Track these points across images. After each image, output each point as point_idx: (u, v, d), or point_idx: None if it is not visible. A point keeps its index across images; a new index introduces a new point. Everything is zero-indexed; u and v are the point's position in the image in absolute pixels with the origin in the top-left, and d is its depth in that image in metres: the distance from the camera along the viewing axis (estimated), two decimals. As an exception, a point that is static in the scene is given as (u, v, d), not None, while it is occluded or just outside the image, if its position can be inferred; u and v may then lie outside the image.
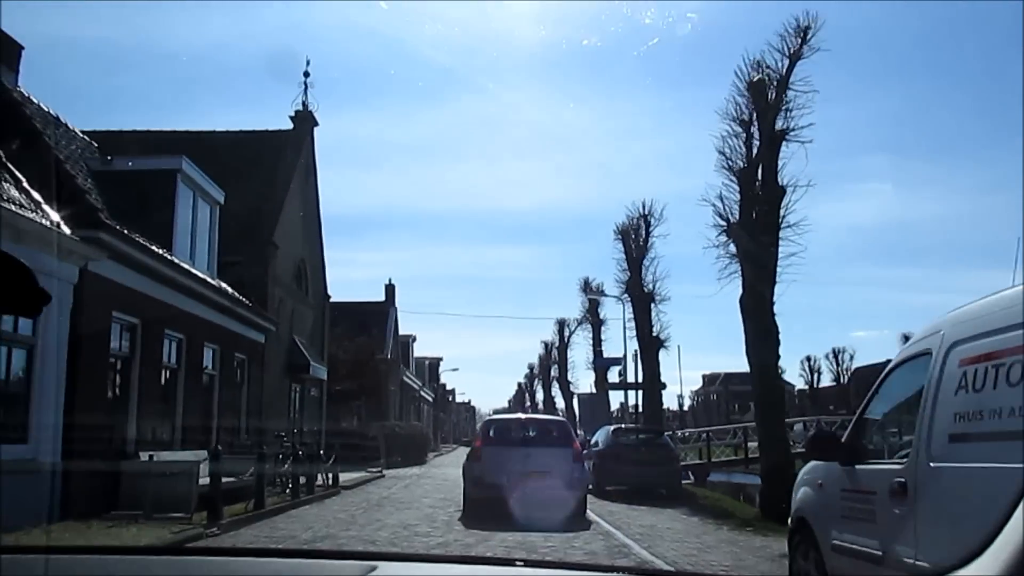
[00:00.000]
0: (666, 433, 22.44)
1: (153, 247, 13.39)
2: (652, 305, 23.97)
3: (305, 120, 23.92)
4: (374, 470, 26.14)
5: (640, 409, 26.33)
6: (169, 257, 14.18)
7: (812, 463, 5.80)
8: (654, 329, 23.96)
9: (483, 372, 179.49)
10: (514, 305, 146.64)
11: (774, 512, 12.12)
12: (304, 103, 23.87)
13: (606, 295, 28.84)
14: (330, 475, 18.69)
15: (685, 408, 64.66)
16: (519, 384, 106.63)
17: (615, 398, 33.51)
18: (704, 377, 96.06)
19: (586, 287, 33.80)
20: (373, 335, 37.50)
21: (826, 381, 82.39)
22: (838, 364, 70.45)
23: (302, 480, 16.25)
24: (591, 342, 34.19)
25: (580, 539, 10.50)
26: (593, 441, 20.52)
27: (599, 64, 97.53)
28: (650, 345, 23.86)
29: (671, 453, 19.01)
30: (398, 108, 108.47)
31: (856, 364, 76.16)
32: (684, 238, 78.34)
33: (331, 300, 27.94)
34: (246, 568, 1.63)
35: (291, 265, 23.02)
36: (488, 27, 71.00)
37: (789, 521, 6.08)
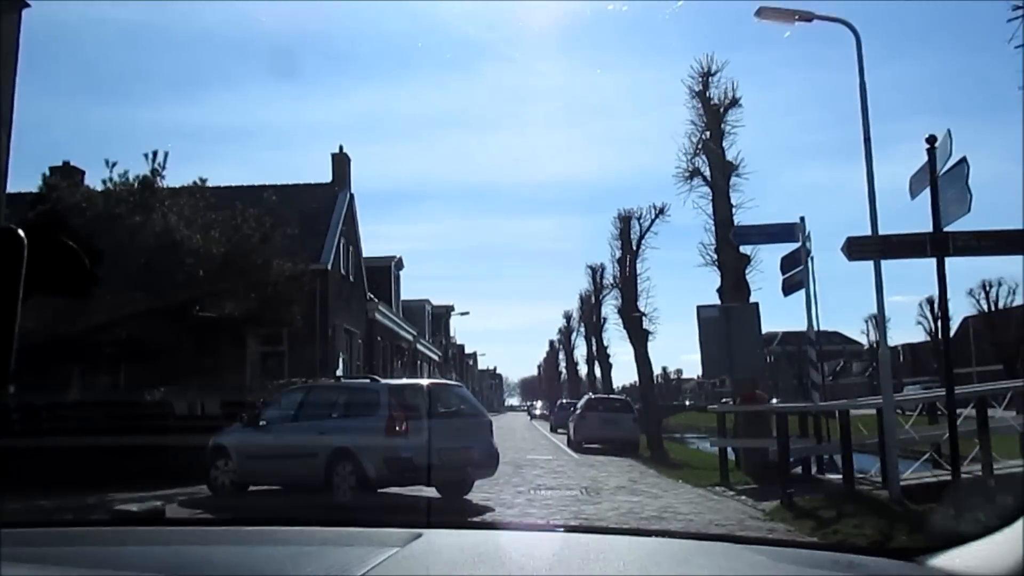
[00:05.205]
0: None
1: None
2: None
3: None
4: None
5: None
6: None
7: None
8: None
9: (509, 343, 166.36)
10: (538, 277, 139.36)
11: None
12: None
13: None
14: None
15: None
16: (551, 343, 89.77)
17: (774, 312, 15.86)
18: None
19: (706, 82, 15.81)
20: (293, 229, 19.36)
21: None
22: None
23: None
24: (709, 205, 16.33)
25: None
26: None
27: (628, 30, 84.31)
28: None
29: None
30: (424, 82, 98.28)
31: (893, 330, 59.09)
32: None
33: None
34: (291, 537, 1.66)
35: None
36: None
37: None
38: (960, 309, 59.71)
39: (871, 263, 9.29)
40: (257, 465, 11.12)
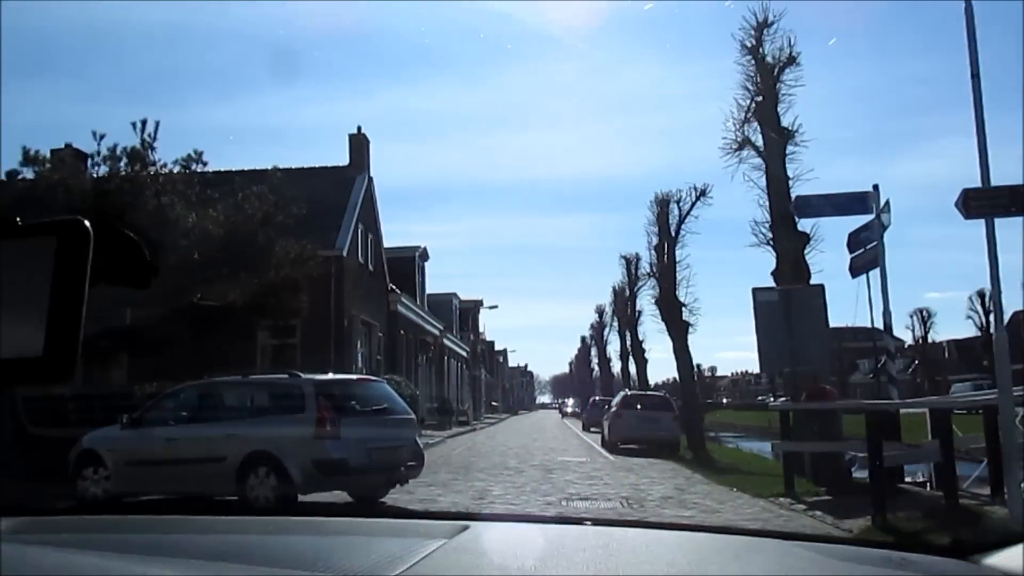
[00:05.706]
0: None
1: None
2: None
3: None
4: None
5: None
6: None
7: None
8: None
9: (539, 340, 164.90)
10: (570, 273, 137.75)
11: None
12: None
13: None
14: None
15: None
16: (582, 339, 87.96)
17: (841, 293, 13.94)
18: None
19: (760, 36, 13.87)
20: (301, 210, 17.66)
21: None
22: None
23: None
24: (762, 179, 14.45)
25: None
26: None
27: (658, 26, 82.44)
28: None
29: None
30: (451, 80, 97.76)
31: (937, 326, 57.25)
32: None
33: None
34: (336, 528, 1.68)
35: None
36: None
37: None
38: (1011, 303, 57.17)
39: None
40: (142, 473, 9.49)
